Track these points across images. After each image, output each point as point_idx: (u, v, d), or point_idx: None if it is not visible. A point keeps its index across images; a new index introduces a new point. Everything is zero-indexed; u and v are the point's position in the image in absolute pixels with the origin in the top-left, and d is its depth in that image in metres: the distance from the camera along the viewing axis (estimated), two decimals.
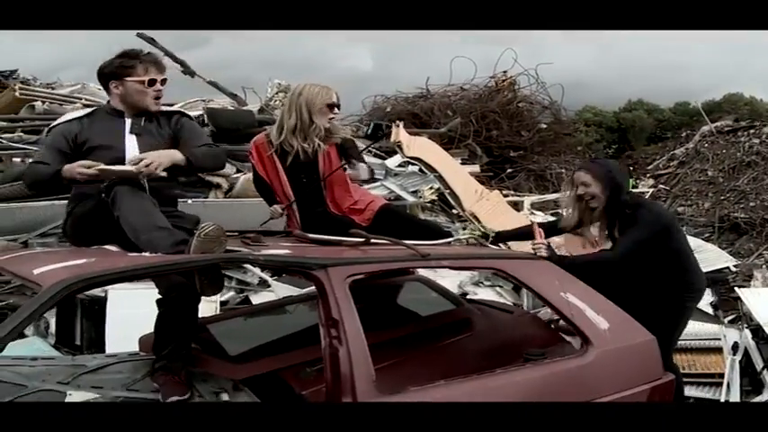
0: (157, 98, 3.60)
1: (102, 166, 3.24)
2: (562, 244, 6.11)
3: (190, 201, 6.68)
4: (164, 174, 3.33)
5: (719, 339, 5.90)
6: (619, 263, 3.93)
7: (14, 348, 3.87)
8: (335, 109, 4.09)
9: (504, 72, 15.50)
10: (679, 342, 5.86)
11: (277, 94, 8.80)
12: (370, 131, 4.27)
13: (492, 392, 2.92)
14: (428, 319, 4.07)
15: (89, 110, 3.71)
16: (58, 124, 3.61)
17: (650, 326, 3.60)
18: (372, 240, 3.33)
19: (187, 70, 9.67)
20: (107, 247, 3.22)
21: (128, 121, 3.58)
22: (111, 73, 3.57)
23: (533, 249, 3.82)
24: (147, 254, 2.91)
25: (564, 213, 4.38)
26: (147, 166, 3.25)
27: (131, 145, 3.52)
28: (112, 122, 3.57)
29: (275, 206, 4.00)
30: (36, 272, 2.61)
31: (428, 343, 3.75)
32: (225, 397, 3.13)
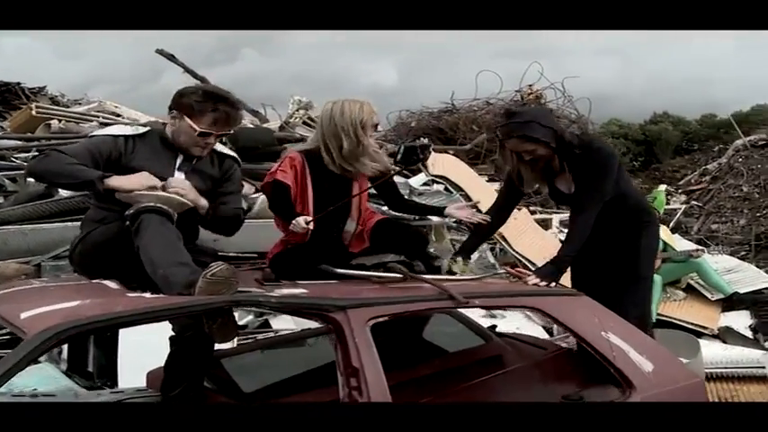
0: (204, 148, 3.35)
1: (162, 193, 3.09)
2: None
3: None
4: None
5: (764, 368, 5.56)
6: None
7: (24, 374, 3.64)
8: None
9: (530, 86, 15.27)
10: (719, 370, 5.62)
11: (297, 110, 8.59)
12: (401, 156, 3.78)
13: None
14: (455, 355, 3.78)
15: (142, 129, 3.45)
16: (106, 135, 3.37)
17: (623, 274, 3.74)
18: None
19: None
20: (106, 282, 2.97)
21: (180, 157, 3.37)
22: (178, 103, 3.33)
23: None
24: (147, 294, 2.65)
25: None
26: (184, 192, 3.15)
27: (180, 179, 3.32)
28: (164, 152, 3.35)
29: (300, 218, 3.55)
30: (23, 316, 2.34)
31: (455, 383, 3.44)
32: None
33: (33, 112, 8.29)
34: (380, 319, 2.70)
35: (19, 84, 12.13)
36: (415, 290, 3.00)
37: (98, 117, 8.61)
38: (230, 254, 6.47)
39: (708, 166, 15.48)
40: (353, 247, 3.73)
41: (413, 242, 3.65)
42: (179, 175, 3.31)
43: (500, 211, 4.15)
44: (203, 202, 3.28)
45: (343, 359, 2.56)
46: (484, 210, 4.25)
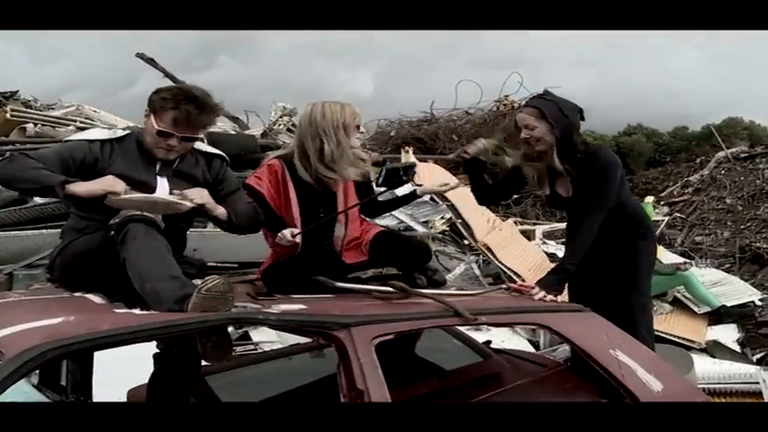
0: (168, 151, 3.13)
1: (138, 195, 2.89)
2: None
3: (188, 231, 6.21)
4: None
5: (758, 383, 5.45)
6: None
7: None
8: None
9: (506, 96, 15.23)
10: (712, 386, 5.50)
11: (281, 117, 8.39)
12: (382, 179, 3.51)
13: None
14: (453, 373, 3.60)
15: (120, 133, 3.25)
16: (81, 139, 3.16)
17: (622, 288, 3.64)
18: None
19: None
20: (89, 297, 2.77)
21: (159, 161, 3.17)
22: (149, 100, 3.14)
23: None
24: (137, 311, 2.46)
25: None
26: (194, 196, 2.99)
27: (162, 186, 3.12)
28: (143, 156, 3.15)
29: (286, 231, 3.38)
30: (0, 333, 2.13)
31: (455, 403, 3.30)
32: None
33: (8, 116, 8.01)
34: (386, 338, 2.53)
35: None
36: (419, 306, 2.83)
37: (75, 121, 8.35)
38: (210, 263, 6.31)
39: (690, 178, 15.47)
40: (348, 257, 3.54)
41: (415, 255, 3.50)
42: (160, 180, 3.12)
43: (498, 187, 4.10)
44: (221, 210, 3.10)
45: (347, 380, 2.39)
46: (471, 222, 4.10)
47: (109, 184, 2.89)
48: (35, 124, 7.96)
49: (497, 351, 4.11)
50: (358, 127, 3.59)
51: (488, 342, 4.33)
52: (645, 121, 26.85)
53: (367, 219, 3.76)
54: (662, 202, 14.54)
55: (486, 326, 3.76)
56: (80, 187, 2.87)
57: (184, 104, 3.05)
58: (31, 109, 10.44)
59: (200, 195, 3.03)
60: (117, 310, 2.50)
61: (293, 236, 3.35)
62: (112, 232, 2.80)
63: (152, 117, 3.09)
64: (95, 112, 8.95)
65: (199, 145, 3.33)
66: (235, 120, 9.37)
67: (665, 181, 18.01)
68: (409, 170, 3.51)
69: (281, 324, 2.41)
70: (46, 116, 8.55)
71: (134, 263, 2.67)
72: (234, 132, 8.68)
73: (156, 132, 3.07)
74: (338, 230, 3.56)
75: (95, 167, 3.03)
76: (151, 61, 8.74)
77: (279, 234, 3.38)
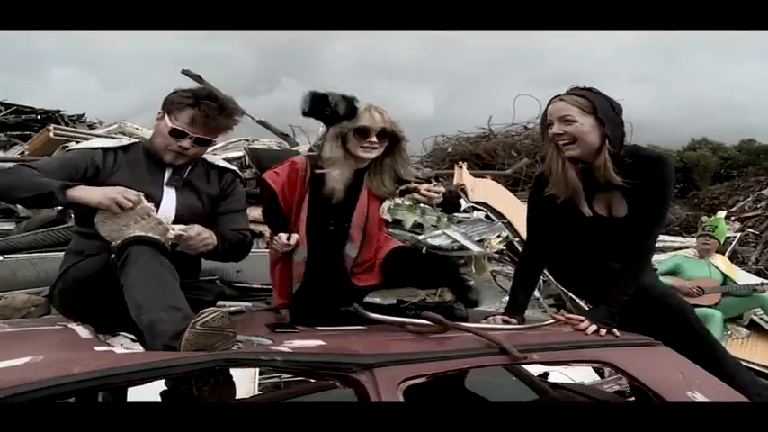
0: (179, 153, 2.87)
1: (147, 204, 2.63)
2: None
3: None
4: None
5: None
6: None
7: None
8: (372, 137, 3.08)
9: None
10: None
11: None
12: (308, 105, 2.97)
13: None
14: None
15: (126, 142, 3.01)
16: (83, 148, 2.93)
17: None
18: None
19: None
20: (77, 329, 2.45)
21: (168, 171, 2.91)
22: (165, 101, 2.90)
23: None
24: (117, 349, 2.12)
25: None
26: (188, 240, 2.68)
27: (169, 198, 2.85)
28: (149, 168, 2.89)
29: (282, 235, 2.97)
30: None
31: None
32: None
33: (51, 135, 7.87)
34: (415, 381, 2.13)
35: (59, 111, 11.97)
36: (457, 341, 2.41)
37: (117, 139, 8.20)
38: (254, 285, 6.01)
39: (763, 192, 14.71)
40: (358, 280, 3.15)
41: (436, 274, 3.03)
42: (167, 191, 2.87)
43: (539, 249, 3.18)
44: (213, 242, 2.78)
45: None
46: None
47: (118, 191, 2.63)
48: (77, 142, 7.80)
49: (554, 386, 3.68)
50: (366, 136, 3.08)
51: (545, 375, 3.90)
52: (709, 134, 26.11)
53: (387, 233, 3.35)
54: (732, 218, 13.84)
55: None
56: (82, 192, 2.62)
57: (205, 103, 2.81)
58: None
59: (192, 230, 2.72)
60: (97, 348, 2.16)
61: (288, 240, 2.95)
62: (113, 255, 2.50)
63: (166, 117, 2.85)
64: (138, 129, 8.78)
65: (213, 158, 3.07)
66: (284, 136, 9.10)
67: (733, 196, 17.34)
68: (349, 105, 2.97)
69: (289, 366, 2.03)
70: (89, 134, 8.40)
71: (132, 290, 2.36)
72: (278, 148, 8.39)
73: (169, 132, 2.82)
74: (350, 250, 3.16)
75: (97, 177, 2.78)
76: (198, 78, 8.54)
77: (275, 237, 3.02)
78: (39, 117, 11.63)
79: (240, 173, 3.18)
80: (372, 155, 3.11)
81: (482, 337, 2.36)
